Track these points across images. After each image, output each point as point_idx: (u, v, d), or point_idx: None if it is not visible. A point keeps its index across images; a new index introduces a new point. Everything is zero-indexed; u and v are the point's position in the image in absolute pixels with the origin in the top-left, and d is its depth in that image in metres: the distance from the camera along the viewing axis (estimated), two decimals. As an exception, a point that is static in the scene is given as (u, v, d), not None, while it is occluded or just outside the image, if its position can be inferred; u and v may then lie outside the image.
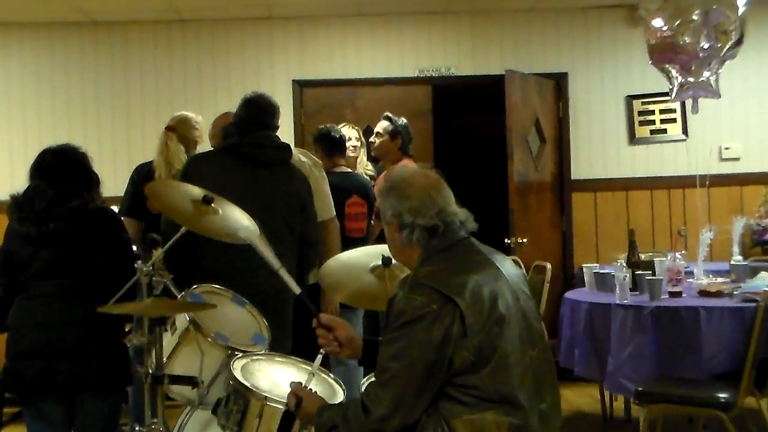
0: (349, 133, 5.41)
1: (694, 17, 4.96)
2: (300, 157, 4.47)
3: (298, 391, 2.54)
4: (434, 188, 2.50)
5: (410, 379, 2.29)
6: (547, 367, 2.49)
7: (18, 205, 3.36)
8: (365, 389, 2.40)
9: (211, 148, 4.47)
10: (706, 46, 4.94)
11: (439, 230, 2.45)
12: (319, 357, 2.77)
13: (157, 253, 3.17)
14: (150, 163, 4.46)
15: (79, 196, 3.38)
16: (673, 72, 5.15)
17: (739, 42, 5.01)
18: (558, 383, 2.55)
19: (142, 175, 4.37)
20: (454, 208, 2.51)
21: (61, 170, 3.42)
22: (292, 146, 4.49)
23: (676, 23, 4.99)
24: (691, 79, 5.08)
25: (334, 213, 4.53)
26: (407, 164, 5.04)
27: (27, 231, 3.31)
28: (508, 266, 2.53)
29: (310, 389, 2.59)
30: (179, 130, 4.51)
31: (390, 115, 5.33)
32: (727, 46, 4.97)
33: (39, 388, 3.28)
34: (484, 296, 2.34)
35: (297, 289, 3.07)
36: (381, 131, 5.29)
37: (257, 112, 3.87)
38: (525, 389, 2.35)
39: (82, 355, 3.28)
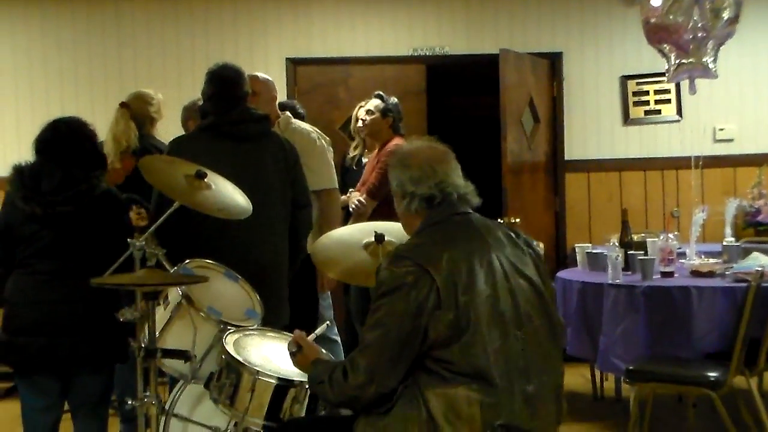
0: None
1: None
2: (305, 126, 4.51)
3: (299, 339, 2.65)
4: (437, 160, 2.55)
5: (384, 349, 2.35)
6: (539, 350, 2.45)
7: (23, 182, 3.34)
8: (349, 355, 2.44)
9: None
10: (699, 25, 4.92)
11: (436, 201, 2.50)
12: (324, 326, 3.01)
13: (150, 228, 3.18)
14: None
15: (86, 179, 3.36)
16: (668, 50, 5.13)
17: (734, 20, 4.98)
18: (561, 368, 2.54)
19: None
20: (456, 180, 2.55)
21: (72, 148, 3.39)
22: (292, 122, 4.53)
23: (669, 2, 4.96)
24: (691, 60, 5.05)
25: (336, 184, 4.56)
26: (399, 143, 5.04)
27: (32, 210, 3.30)
28: (504, 243, 2.52)
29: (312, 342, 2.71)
30: (133, 106, 4.48)
31: (381, 93, 5.32)
32: (719, 25, 4.94)
33: (40, 363, 3.30)
34: (462, 271, 2.36)
35: None
36: (372, 109, 5.28)
37: (226, 86, 3.75)
38: (501, 368, 2.34)
39: (83, 332, 3.29)
